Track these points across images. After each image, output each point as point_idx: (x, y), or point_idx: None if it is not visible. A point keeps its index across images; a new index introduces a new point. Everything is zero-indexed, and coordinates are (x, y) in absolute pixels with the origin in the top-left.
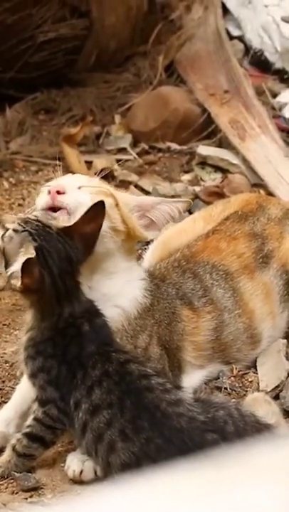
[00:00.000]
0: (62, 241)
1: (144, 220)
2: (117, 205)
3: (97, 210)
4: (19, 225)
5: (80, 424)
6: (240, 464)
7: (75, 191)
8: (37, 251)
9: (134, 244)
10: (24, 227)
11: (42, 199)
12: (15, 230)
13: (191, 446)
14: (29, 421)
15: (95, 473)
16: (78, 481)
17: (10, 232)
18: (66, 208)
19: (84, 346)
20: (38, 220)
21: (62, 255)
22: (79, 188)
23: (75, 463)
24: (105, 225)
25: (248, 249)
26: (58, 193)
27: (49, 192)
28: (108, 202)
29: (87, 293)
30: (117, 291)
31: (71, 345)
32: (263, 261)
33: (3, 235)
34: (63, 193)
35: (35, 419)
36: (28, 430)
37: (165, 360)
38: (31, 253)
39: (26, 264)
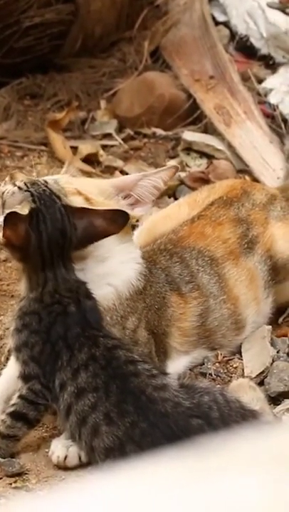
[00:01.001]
0: (63, 214)
1: (130, 199)
2: (87, 199)
3: (118, 217)
4: (25, 184)
5: (64, 406)
6: (226, 452)
7: None
8: (32, 212)
9: (125, 230)
10: (28, 188)
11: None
12: (19, 188)
13: (176, 431)
14: (14, 399)
15: (80, 458)
16: (63, 467)
17: (14, 188)
18: None
19: (69, 327)
20: (46, 186)
21: (58, 226)
22: None
23: (60, 448)
24: None
25: (233, 235)
26: None
27: None
28: (77, 201)
29: (80, 275)
30: (111, 271)
31: (56, 324)
32: (247, 246)
33: (7, 190)
34: None
35: (19, 396)
36: (11, 409)
37: (152, 345)
38: (24, 211)
39: (10, 217)
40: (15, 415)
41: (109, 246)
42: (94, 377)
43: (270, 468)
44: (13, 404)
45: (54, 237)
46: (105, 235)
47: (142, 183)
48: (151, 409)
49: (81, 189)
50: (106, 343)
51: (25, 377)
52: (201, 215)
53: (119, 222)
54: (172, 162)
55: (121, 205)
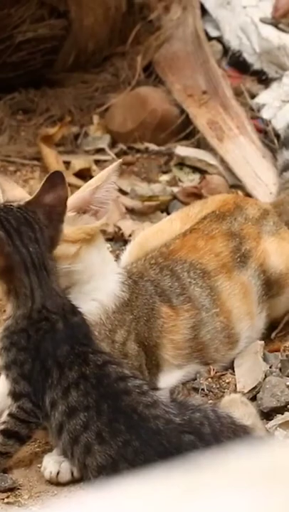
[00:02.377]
0: (25, 218)
1: (89, 212)
2: (62, 240)
3: (54, 180)
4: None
5: (56, 424)
6: (217, 469)
7: None
8: (4, 233)
9: (96, 238)
10: None
11: None
12: None
13: (169, 448)
14: (4, 417)
15: (72, 474)
16: (55, 483)
17: None
18: None
19: (58, 344)
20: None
21: (29, 232)
22: None
23: (52, 464)
24: (65, 263)
25: (225, 248)
26: None
27: None
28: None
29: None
30: (94, 286)
31: (44, 341)
32: (240, 260)
33: None
34: None
35: (10, 414)
36: (2, 427)
37: (142, 358)
38: None
39: None
40: (6, 433)
41: (90, 264)
42: (85, 396)
43: (261, 484)
44: (3, 422)
45: (31, 245)
46: (62, 198)
47: (97, 195)
48: (143, 427)
49: None
50: (96, 360)
51: (15, 395)
52: (194, 228)
53: (58, 182)
54: (165, 177)
55: (85, 221)
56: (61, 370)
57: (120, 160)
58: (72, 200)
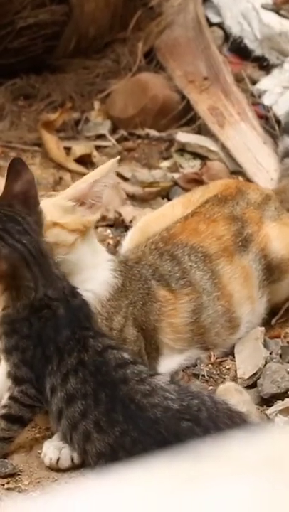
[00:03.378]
0: (6, 214)
1: (86, 205)
2: (61, 226)
3: (16, 167)
4: None
5: (56, 410)
6: (216, 458)
7: None
8: None
9: (89, 230)
10: None
11: None
12: None
13: (167, 436)
14: (5, 401)
15: (72, 460)
16: (55, 469)
17: None
18: None
19: (59, 330)
20: None
21: (19, 228)
22: None
23: (52, 450)
24: (60, 252)
25: (227, 232)
26: None
27: None
28: (54, 233)
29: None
30: (86, 277)
31: (46, 329)
32: (242, 244)
33: None
34: None
35: (11, 397)
36: (5, 411)
37: (142, 342)
38: None
39: None
40: (10, 418)
41: (82, 257)
42: (83, 384)
43: (261, 472)
44: (4, 407)
45: (23, 237)
46: (32, 184)
47: (96, 188)
48: (141, 417)
49: (55, 219)
50: (96, 346)
51: (16, 379)
52: (195, 212)
53: (21, 168)
54: (165, 163)
55: (82, 214)
56: (61, 356)
57: (118, 157)
58: (73, 190)
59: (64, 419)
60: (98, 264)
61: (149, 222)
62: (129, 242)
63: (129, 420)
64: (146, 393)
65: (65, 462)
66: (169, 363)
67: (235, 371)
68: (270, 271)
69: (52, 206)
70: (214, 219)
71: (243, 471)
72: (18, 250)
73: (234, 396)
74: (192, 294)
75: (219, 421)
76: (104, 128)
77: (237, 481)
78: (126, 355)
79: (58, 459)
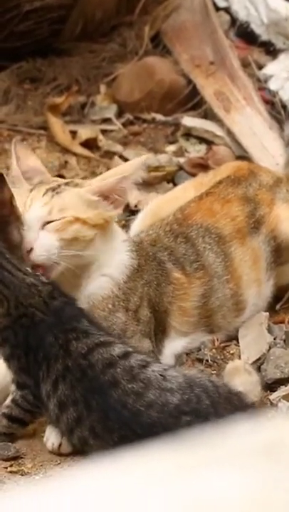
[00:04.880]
0: None
1: (110, 200)
2: (84, 222)
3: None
4: None
5: (53, 415)
6: (213, 445)
7: (40, 237)
8: None
9: (110, 225)
10: None
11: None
12: None
13: (166, 435)
14: (8, 401)
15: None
16: (57, 454)
17: None
18: (40, 265)
19: (42, 337)
20: None
21: None
22: (43, 227)
23: (54, 436)
24: (78, 247)
25: (241, 213)
26: (28, 252)
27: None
28: (74, 229)
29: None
30: (103, 263)
31: (29, 336)
32: (254, 226)
33: None
34: (32, 249)
35: (14, 400)
36: (6, 411)
37: (152, 324)
38: None
39: None
40: (11, 418)
41: (100, 248)
42: (72, 390)
43: (258, 459)
44: (8, 407)
45: None
46: (6, 204)
47: (123, 185)
48: (137, 422)
49: (75, 213)
50: (80, 348)
51: (19, 384)
52: (210, 192)
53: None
54: (171, 147)
55: (105, 207)
56: (48, 362)
57: (149, 154)
58: (100, 184)
59: (61, 423)
60: (114, 248)
61: (161, 205)
62: (140, 224)
63: (125, 427)
64: (139, 392)
65: (67, 448)
66: (173, 345)
67: (239, 356)
68: (279, 253)
69: (77, 198)
70: (228, 199)
71: (239, 458)
72: None
73: (241, 376)
74: (204, 277)
75: (220, 407)
76: (110, 112)
77: (233, 469)
78: (116, 350)
79: (60, 444)
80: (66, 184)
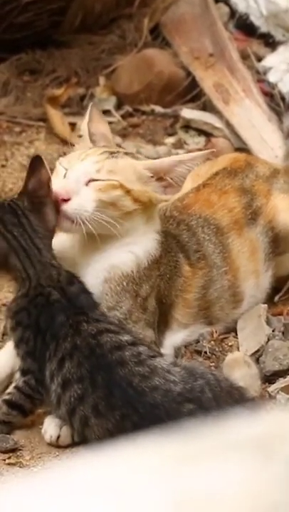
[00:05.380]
0: (9, 205)
1: (163, 182)
2: (128, 191)
3: (34, 165)
4: None
5: (55, 396)
6: (210, 436)
7: (82, 192)
8: None
9: (154, 209)
10: None
11: (55, 183)
12: None
13: (168, 421)
14: (10, 388)
15: (73, 438)
16: (55, 446)
17: None
18: (71, 218)
19: (54, 316)
20: None
21: (16, 223)
22: (87, 183)
23: (52, 428)
24: (113, 214)
25: (238, 204)
26: (64, 200)
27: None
28: (116, 194)
29: (104, 245)
30: (134, 240)
31: (42, 316)
32: (251, 217)
33: None
34: (68, 200)
35: (16, 387)
36: (7, 397)
37: (156, 316)
38: None
39: None
40: (11, 404)
41: (135, 226)
42: (78, 367)
43: (254, 452)
44: (9, 393)
45: (20, 235)
46: (43, 185)
47: (178, 169)
48: (141, 401)
49: (123, 180)
50: (90, 329)
51: (23, 371)
52: (207, 183)
53: (38, 166)
54: (170, 139)
55: (155, 188)
56: (57, 341)
57: (214, 150)
58: (153, 163)
59: (62, 404)
60: (148, 232)
61: None
62: None
63: (128, 405)
64: (145, 375)
65: (66, 440)
66: (173, 337)
67: (238, 348)
68: (277, 243)
69: (130, 167)
70: (225, 191)
71: (236, 450)
72: (7, 240)
73: (241, 368)
74: (205, 268)
75: (221, 400)
76: (110, 104)
77: (229, 460)
78: (126, 338)
79: (58, 437)
80: (126, 153)
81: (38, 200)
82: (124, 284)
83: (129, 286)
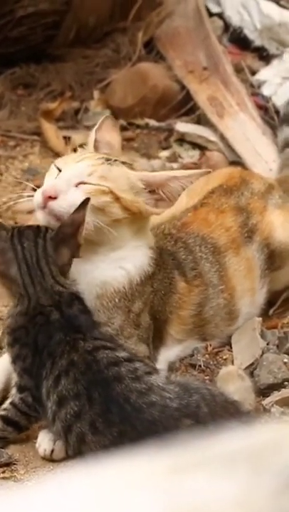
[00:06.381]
0: (37, 230)
1: (155, 195)
2: (117, 198)
3: (81, 205)
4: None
5: (51, 413)
6: (200, 451)
7: (70, 192)
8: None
9: (145, 222)
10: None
11: (46, 181)
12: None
13: (166, 437)
14: (6, 404)
15: (67, 452)
16: (49, 460)
17: None
18: (56, 215)
19: (51, 335)
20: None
21: (29, 244)
22: (77, 185)
23: (46, 442)
24: (101, 220)
25: (234, 223)
26: (50, 197)
27: (42, 193)
28: (104, 200)
29: (94, 258)
30: (125, 255)
31: (40, 334)
32: (247, 235)
33: None
34: (55, 198)
35: (12, 403)
36: (3, 413)
37: (151, 331)
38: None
39: None
40: (7, 420)
41: (124, 236)
42: (75, 384)
43: (246, 465)
44: (5, 409)
45: (28, 251)
46: (75, 225)
47: (171, 184)
48: (138, 418)
49: (113, 187)
50: (86, 346)
51: (20, 387)
52: (204, 202)
53: (82, 207)
54: (165, 153)
55: (147, 200)
56: (53, 359)
57: (209, 170)
58: (147, 175)
59: (58, 421)
60: (140, 247)
61: None
62: None
63: (126, 422)
64: (142, 392)
65: (60, 454)
66: (167, 353)
67: (232, 361)
68: (273, 259)
69: (123, 176)
70: (222, 210)
71: (229, 463)
72: (15, 251)
73: (235, 382)
74: (201, 286)
75: (217, 414)
76: None
77: (221, 473)
78: (122, 354)
79: (52, 451)
80: (123, 163)
81: (62, 236)
82: (116, 300)
83: (121, 303)
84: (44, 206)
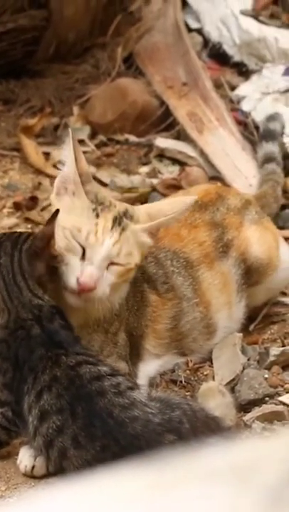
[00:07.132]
0: (15, 241)
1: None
2: (136, 265)
3: (51, 217)
4: None
5: (32, 428)
6: (181, 467)
7: (104, 279)
8: None
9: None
10: None
11: (74, 265)
12: None
13: (149, 451)
14: None
15: (48, 469)
16: (30, 476)
17: None
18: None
19: (33, 350)
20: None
21: (5, 259)
22: (108, 266)
23: (27, 458)
24: (116, 293)
25: (208, 238)
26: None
27: (77, 280)
28: (130, 276)
29: None
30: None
31: (21, 349)
32: (222, 250)
33: None
34: (89, 287)
35: None
36: None
37: (128, 348)
38: None
39: None
40: None
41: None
42: (57, 398)
43: (227, 481)
44: None
45: (5, 265)
46: (44, 237)
47: (164, 222)
48: (121, 432)
49: (137, 260)
50: (69, 362)
51: (0, 402)
52: None
53: (51, 220)
54: (144, 169)
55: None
56: (35, 374)
57: (195, 196)
58: (151, 226)
59: (39, 436)
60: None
61: None
62: None
63: (109, 436)
64: (125, 406)
65: (40, 470)
66: (146, 368)
67: (213, 377)
68: (249, 274)
69: (135, 239)
70: (195, 225)
71: (209, 479)
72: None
73: (216, 397)
74: (174, 299)
75: (198, 430)
76: (84, 133)
77: (202, 489)
78: (104, 369)
79: (33, 467)
80: (124, 215)
81: (35, 249)
82: (95, 326)
83: (99, 327)
84: (79, 294)
